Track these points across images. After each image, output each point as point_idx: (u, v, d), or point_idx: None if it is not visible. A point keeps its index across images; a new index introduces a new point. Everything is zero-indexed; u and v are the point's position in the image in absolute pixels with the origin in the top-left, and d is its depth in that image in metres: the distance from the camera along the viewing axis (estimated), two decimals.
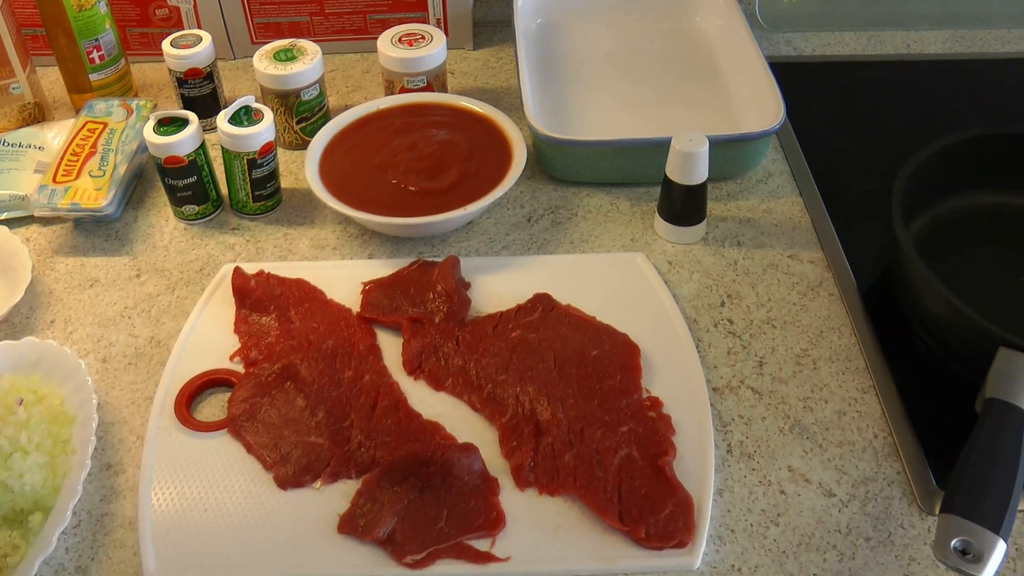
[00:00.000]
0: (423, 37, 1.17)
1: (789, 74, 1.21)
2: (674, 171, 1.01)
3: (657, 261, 1.04)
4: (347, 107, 1.21)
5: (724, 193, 1.11)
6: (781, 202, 1.11)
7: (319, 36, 1.31)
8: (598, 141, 1.09)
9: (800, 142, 1.19)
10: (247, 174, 1.06)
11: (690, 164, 1.00)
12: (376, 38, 1.21)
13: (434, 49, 1.15)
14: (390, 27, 1.23)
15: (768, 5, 1.37)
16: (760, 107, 1.14)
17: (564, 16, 1.35)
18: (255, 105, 1.06)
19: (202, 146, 1.05)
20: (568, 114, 1.19)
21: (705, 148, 0.99)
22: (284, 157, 1.18)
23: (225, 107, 1.09)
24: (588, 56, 1.30)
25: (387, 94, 1.19)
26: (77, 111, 1.22)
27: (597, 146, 1.09)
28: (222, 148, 1.05)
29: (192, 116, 1.04)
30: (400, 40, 1.16)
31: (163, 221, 1.10)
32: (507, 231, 1.08)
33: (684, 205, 1.04)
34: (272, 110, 1.14)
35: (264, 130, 1.04)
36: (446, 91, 1.20)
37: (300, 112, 1.15)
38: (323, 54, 1.18)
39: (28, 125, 1.18)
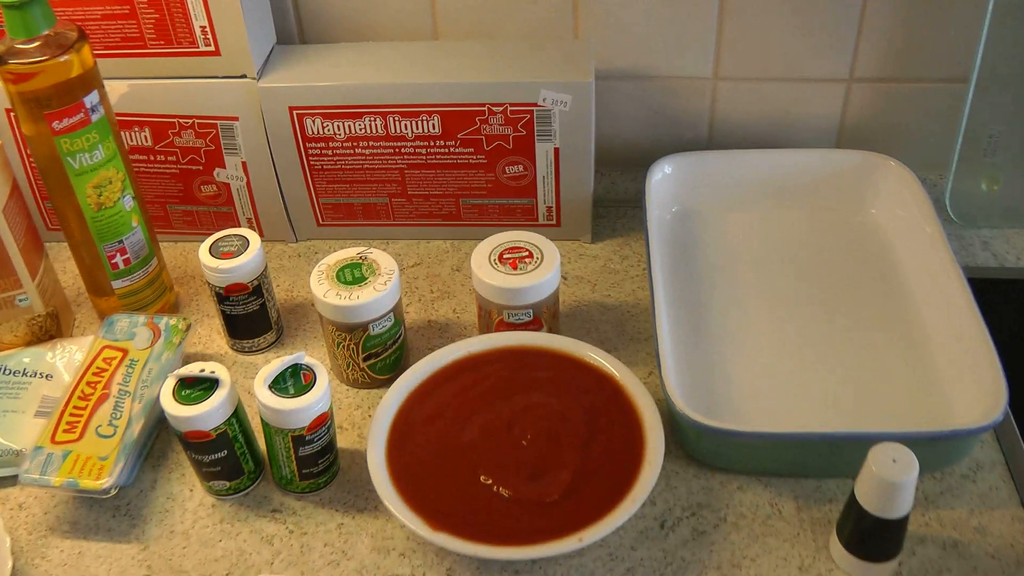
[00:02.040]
0: (530, 255, 0.90)
1: (989, 294, 0.92)
2: (868, 497, 0.74)
3: None
4: (429, 322, 0.96)
5: (920, 495, 0.83)
6: (997, 516, 0.82)
7: (400, 220, 1.06)
8: (764, 433, 0.82)
9: (1016, 414, 0.89)
10: (292, 451, 0.80)
11: (892, 495, 0.73)
12: (473, 224, 0.99)
13: (546, 275, 0.88)
14: (488, 214, 0.98)
15: (962, 195, 1.07)
16: (968, 368, 0.87)
17: (707, 204, 1.08)
18: (307, 362, 0.80)
19: (235, 413, 0.80)
20: (715, 358, 0.93)
21: (914, 475, 0.71)
22: (347, 400, 0.92)
23: (268, 349, 0.84)
24: (737, 262, 1.03)
25: (480, 322, 0.93)
26: (101, 317, 0.97)
27: (763, 438, 0.82)
28: (261, 418, 0.80)
29: (223, 375, 0.80)
30: (501, 258, 0.89)
31: (187, 491, 0.86)
32: (633, 542, 0.81)
33: (876, 540, 0.76)
34: (333, 343, 0.89)
35: (315, 402, 0.79)
36: (557, 326, 0.93)
37: (368, 347, 0.89)
38: (406, 240, 0.94)
39: (40, 341, 0.94)
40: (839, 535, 0.79)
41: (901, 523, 0.75)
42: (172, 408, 0.78)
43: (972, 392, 0.84)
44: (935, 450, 0.83)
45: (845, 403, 0.88)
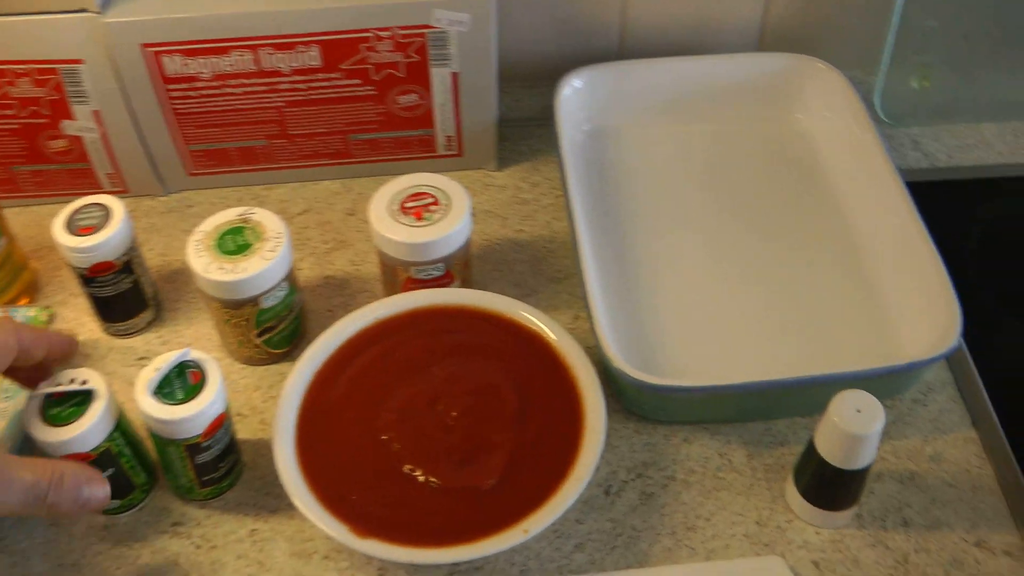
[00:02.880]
0: (436, 201, 0.80)
1: (922, 195, 0.85)
2: (829, 449, 0.69)
3: (799, 562, 0.71)
4: (325, 279, 0.86)
5: None
6: (950, 440, 0.79)
7: (282, 163, 0.94)
8: (714, 387, 0.74)
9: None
10: (188, 461, 0.70)
11: (856, 447, 0.67)
12: (365, 161, 0.91)
13: (456, 223, 0.79)
14: (381, 149, 0.92)
15: (892, 94, 1.00)
16: (916, 289, 0.81)
17: (622, 119, 0.98)
18: (193, 357, 0.70)
19: (118, 427, 0.69)
20: (643, 296, 0.85)
21: (879, 427, 0.66)
22: (243, 380, 0.82)
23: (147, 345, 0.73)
24: (660, 183, 0.95)
25: (385, 280, 0.83)
26: None
27: (712, 392, 0.74)
28: (148, 429, 0.70)
29: (98, 384, 0.69)
30: (404, 208, 0.79)
31: None
32: (578, 515, 0.74)
33: (838, 490, 0.71)
34: (221, 320, 0.79)
35: (208, 405, 0.69)
36: (471, 276, 0.84)
37: (262, 322, 0.79)
38: (291, 183, 0.89)
39: None
40: (796, 484, 0.73)
41: (864, 472, 0.70)
42: (41, 433, 0.67)
43: (923, 316, 0.79)
44: (888, 382, 0.77)
45: (788, 337, 0.82)
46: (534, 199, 0.95)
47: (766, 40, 1.03)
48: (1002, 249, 0.92)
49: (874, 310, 0.83)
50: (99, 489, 0.64)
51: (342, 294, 0.88)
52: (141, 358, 0.83)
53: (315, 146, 0.93)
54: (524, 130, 1.01)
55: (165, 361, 0.69)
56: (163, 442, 0.70)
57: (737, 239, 0.88)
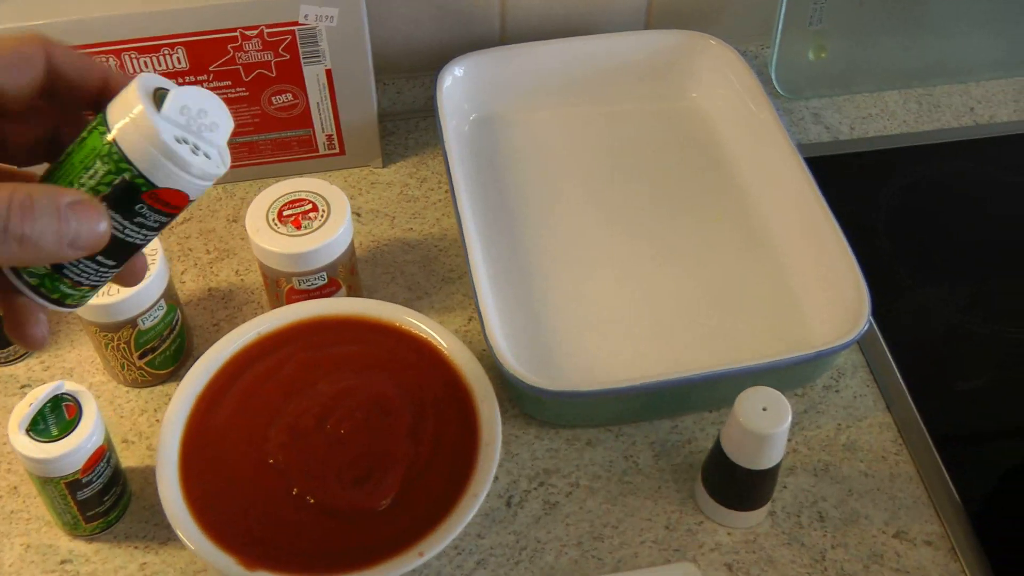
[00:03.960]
0: (315, 207, 0.77)
1: (826, 172, 0.84)
2: (737, 450, 0.67)
3: (710, 566, 0.70)
4: (210, 291, 0.83)
5: None
6: (864, 427, 0.77)
7: None
8: (617, 389, 0.73)
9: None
10: (69, 498, 0.68)
11: (764, 446, 0.66)
12: (244, 165, 0.88)
13: (337, 230, 0.76)
14: (259, 152, 0.89)
15: (787, 66, 0.98)
16: (823, 272, 0.80)
17: (509, 107, 0.96)
18: (68, 390, 0.66)
19: None
20: (541, 293, 0.83)
21: (786, 425, 0.65)
22: (128, 404, 0.79)
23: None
24: (553, 173, 0.92)
25: (268, 292, 0.80)
26: None
27: (616, 394, 0.73)
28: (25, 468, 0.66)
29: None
30: (281, 216, 0.76)
31: None
32: (480, 530, 0.72)
33: (748, 490, 0.70)
34: (100, 344, 0.75)
35: (85, 440, 0.66)
36: (357, 282, 0.82)
37: (142, 344, 0.76)
38: None
39: None
40: (705, 484, 0.72)
41: (774, 470, 0.68)
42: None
43: (830, 299, 0.79)
44: (798, 371, 0.76)
45: (693, 328, 0.81)
46: (423, 195, 0.92)
47: (654, 17, 0.99)
48: (911, 221, 0.91)
49: (780, 295, 0.82)
50: (91, 218, 0.43)
51: (227, 307, 0.84)
52: (24, 386, 0.79)
53: None
54: (409, 123, 0.98)
55: (36, 397, 0.66)
56: (41, 480, 0.66)
57: (635, 229, 0.87)
